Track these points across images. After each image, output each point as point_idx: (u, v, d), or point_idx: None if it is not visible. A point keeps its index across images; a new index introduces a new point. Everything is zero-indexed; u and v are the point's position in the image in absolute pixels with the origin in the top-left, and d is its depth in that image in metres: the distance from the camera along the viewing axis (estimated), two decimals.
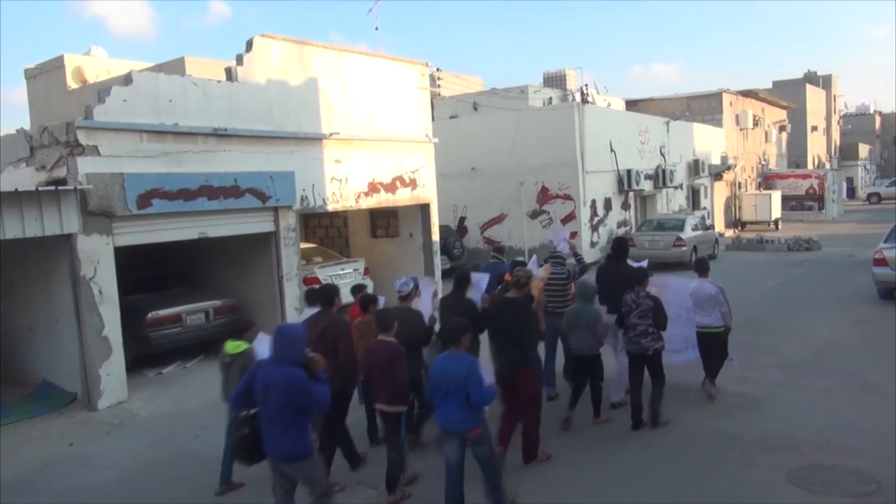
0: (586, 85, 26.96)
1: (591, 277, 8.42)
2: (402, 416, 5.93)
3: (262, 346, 5.91)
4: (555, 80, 29.36)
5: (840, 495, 5.63)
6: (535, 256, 9.54)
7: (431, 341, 6.88)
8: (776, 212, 31.39)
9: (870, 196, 48.08)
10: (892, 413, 7.33)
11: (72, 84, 12.94)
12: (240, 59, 10.68)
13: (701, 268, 8.43)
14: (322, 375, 4.82)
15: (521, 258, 9.10)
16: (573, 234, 18.74)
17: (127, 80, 9.30)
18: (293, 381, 4.60)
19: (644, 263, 8.50)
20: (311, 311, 6.84)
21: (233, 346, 6.38)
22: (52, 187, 8.29)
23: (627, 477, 6.22)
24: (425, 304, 7.20)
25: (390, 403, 5.83)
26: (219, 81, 10.40)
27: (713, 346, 7.99)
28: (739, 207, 32.66)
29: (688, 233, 19.38)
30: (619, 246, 8.58)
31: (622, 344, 7.66)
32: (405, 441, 6.07)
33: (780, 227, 30.85)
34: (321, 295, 6.59)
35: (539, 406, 6.59)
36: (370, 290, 10.59)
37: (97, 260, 8.76)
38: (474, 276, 7.65)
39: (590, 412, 7.48)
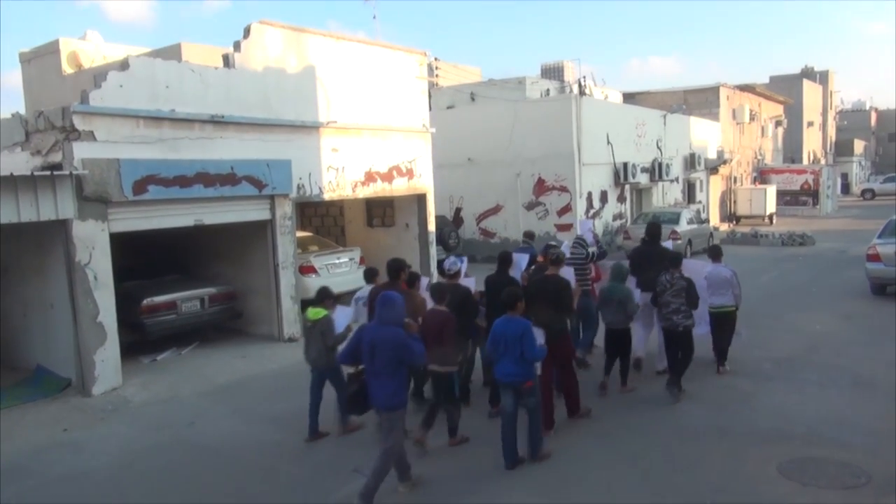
0: (584, 77, 26.98)
1: (621, 259, 9.53)
2: (453, 374, 6.67)
3: (340, 314, 7.24)
4: (553, 72, 29.27)
5: (830, 488, 5.69)
6: (566, 242, 10.56)
7: None
8: (771, 207, 31.49)
9: (864, 192, 48.19)
10: (883, 407, 7.41)
11: (67, 69, 12.87)
12: (237, 46, 10.63)
13: (715, 254, 9.10)
14: (415, 336, 5.70)
15: (553, 242, 10.13)
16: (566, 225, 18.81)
17: (123, 65, 9.25)
18: (397, 339, 5.42)
19: (669, 244, 9.71)
20: (368, 287, 7.93)
21: (314, 313, 7.13)
22: (48, 172, 8.25)
23: (620, 468, 6.26)
24: (467, 282, 7.97)
25: (442, 364, 6.50)
26: (216, 68, 10.35)
27: (726, 324, 8.78)
28: (734, 202, 32.74)
29: (683, 226, 19.50)
30: (653, 230, 9.41)
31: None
32: (458, 394, 6.94)
33: (774, 221, 30.95)
34: (390, 267, 7.52)
35: (573, 368, 7.43)
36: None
37: (92, 246, 8.73)
38: (515, 255, 8.52)
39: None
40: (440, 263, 8.18)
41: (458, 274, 7.60)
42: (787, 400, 7.82)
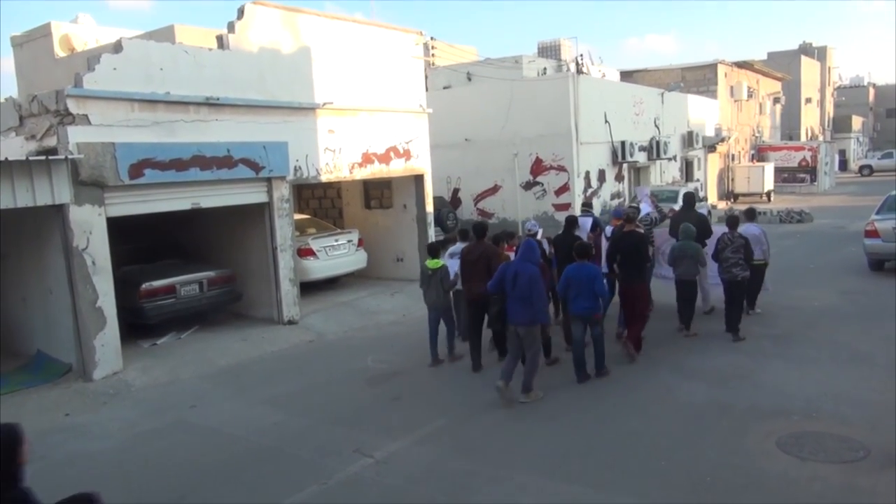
0: (581, 55, 26.72)
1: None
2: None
3: (450, 264, 9.27)
4: (549, 51, 29.02)
5: (829, 462, 5.73)
6: (645, 204, 12.15)
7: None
8: (769, 184, 31.45)
9: (862, 168, 48.14)
10: (881, 382, 7.45)
11: (59, 52, 12.71)
12: (231, 27, 10.52)
13: (749, 215, 10.81)
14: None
15: (634, 204, 12.63)
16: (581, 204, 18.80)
17: (117, 47, 9.15)
18: (534, 273, 7.30)
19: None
20: (461, 245, 9.47)
21: (433, 263, 9.05)
22: (43, 157, 8.20)
23: (621, 444, 6.31)
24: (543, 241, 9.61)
25: None
26: (210, 49, 10.24)
27: (756, 276, 10.08)
28: (732, 179, 32.68)
29: (681, 204, 19.44)
30: (690, 198, 11.28)
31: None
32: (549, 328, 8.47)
33: (772, 198, 30.94)
34: (475, 229, 9.01)
35: (646, 313, 8.94)
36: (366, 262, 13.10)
37: (90, 230, 8.70)
38: (581, 219, 10.36)
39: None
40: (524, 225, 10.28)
41: (536, 234, 9.47)
42: (786, 376, 7.86)
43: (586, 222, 10.51)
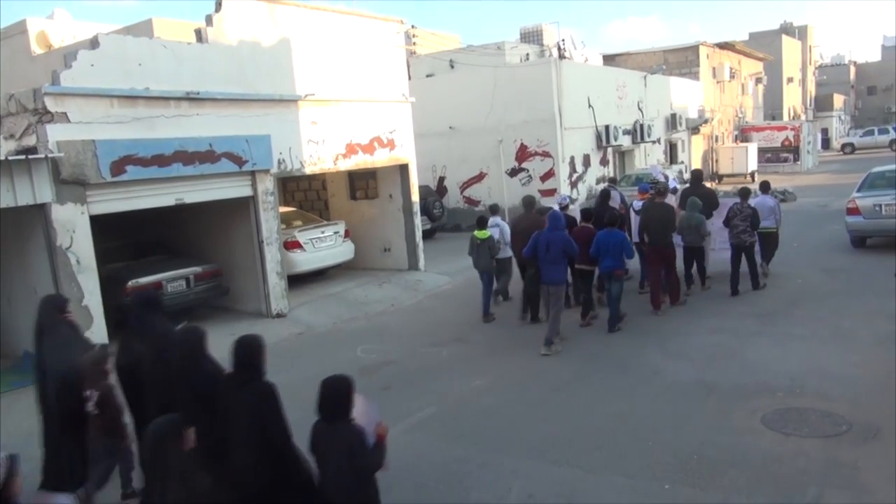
0: (563, 40, 26.75)
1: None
2: (593, 272, 9.75)
3: (496, 234, 10.61)
4: (532, 36, 29.01)
5: (812, 436, 5.84)
6: (672, 176, 14.14)
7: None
8: (752, 164, 31.65)
9: (844, 147, 48.49)
10: (862, 358, 7.58)
11: (36, 49, 12.56)
12: (209, 20, 10.42)
13: (764, 188, 12.00)
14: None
15: (661, 179, 13.80)
16: (551, 193, 18.87)
17: (94, 43, 9.05)
18: (565, 239, 8.64)
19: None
20: (495, 218, 11.06)
21: (481, 234, 10.46)
22: (23, 156, 8.12)
23: (609, 426, 6.39)
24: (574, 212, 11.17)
25: (587, 264, 9.59)
26: (189, 44, 10.15)
27: (770, 241, 11.60)
28: (716, 160, 32.88)
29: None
30: (698, 174, 12.45)
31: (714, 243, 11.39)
32: (594, 287, 10.10)
33: (755, 179, 31.13)
34: (525, 202, 10.72)
35: (675, 268, 10.35)
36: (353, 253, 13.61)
37: (73, 229, 8.64)
38: (612, 192, 11.69)
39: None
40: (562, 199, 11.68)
41: (568, 206, 10.96)
42: (770, 354, 7.97)
43: (616, 196, 12.01)
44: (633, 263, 10.79)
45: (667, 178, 13.82)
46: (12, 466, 3.24)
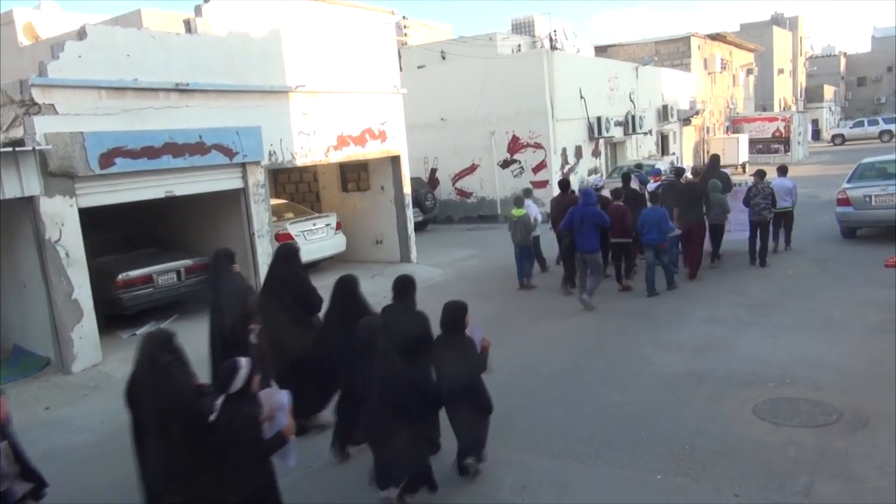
0: (555, 31, 26.66)
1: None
2: (628, 244, 11.02)
3: (531, 210, 11.86)
4: (523, 27, 28.88)
5: (803, 426, 5.88)
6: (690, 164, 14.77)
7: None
8: (743, 155, 31.71)
9: (834, 138, 48.64)
10: (853, 347, 7.63)
11: (23, 40, 12.42)
12: (198, 11, 10.33)
13: (782, 171, 12.89)
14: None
15: (681, 166, 16.65)
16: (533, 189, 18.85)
17: (81, 34, 8.95)
18: (597, 213, 9.90)
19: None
20: (529, 201, 12.17)
21: (517, 212, 11.64)
22: (10, 149, 8.03)
23: (601, 417, 6.41)
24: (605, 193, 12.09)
25: (622, 237, 10.78)
26: (178, 34, 10.06)
27: (788, 219, 12.80)
28: (708, 152, 32.89)
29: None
30: (716, 159, 13.99)
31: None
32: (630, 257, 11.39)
33: (747, 170, 31.21)
34: (561, 184, 11.98)
35: (702, 244, 11.43)
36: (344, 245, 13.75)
37: (62, 222, 8.57)
38: (634, 175, 13.08)
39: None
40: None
41: (601, 188, 12.40)
42: (761, 344, 8.01)
43: (638, 178, 13.53)
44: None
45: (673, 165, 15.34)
46: (253, 369, 4.19)
